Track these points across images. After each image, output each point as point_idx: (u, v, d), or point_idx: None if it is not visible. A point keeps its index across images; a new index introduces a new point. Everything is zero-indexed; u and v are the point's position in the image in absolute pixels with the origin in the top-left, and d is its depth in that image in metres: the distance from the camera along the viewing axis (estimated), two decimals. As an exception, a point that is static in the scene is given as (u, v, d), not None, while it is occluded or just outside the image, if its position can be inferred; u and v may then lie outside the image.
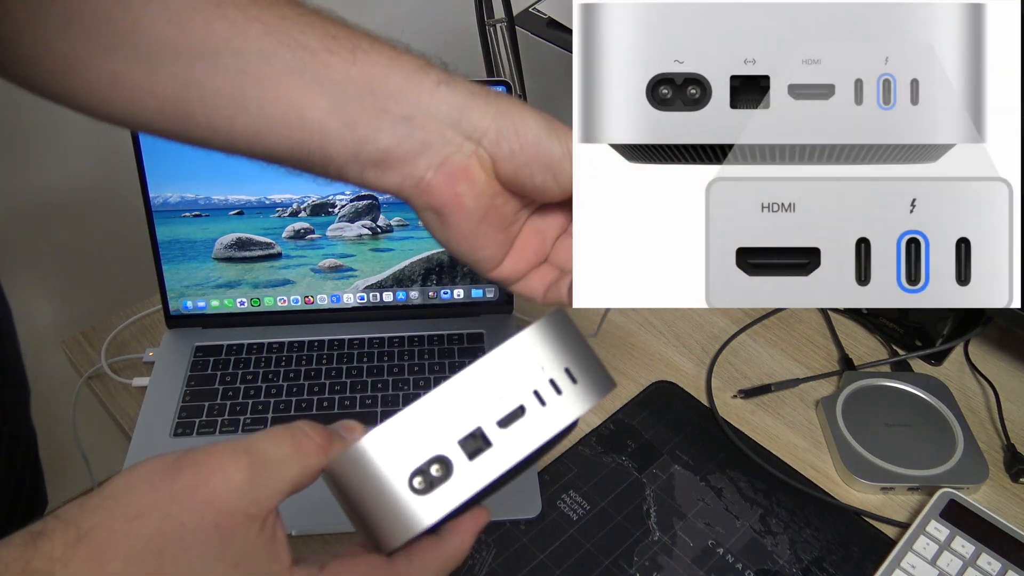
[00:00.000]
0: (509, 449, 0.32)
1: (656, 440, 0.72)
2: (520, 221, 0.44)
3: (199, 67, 0.38)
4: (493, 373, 0.33)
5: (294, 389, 0.76)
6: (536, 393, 0.33)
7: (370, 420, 0.68)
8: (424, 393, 0.32)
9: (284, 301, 0.82)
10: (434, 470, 0.32)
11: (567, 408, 0.33)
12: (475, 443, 0.32)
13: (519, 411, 0.33)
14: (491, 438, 0.32)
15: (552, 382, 0.33)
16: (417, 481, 0.32)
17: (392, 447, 0.32)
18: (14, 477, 0.74)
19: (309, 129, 0.39)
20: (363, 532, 0.33)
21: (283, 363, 0.79)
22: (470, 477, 0.32)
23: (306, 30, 0.38)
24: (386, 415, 0.33)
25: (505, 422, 0.32)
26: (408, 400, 0.60)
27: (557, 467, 0.70)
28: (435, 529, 0.33)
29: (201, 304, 0.81)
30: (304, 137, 0.39)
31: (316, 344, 0.80)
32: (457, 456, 0.32)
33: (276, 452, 0.33)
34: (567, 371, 0.34)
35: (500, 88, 0.75)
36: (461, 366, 0.34)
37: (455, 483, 0.32)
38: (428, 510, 0.32)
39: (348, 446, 0.33)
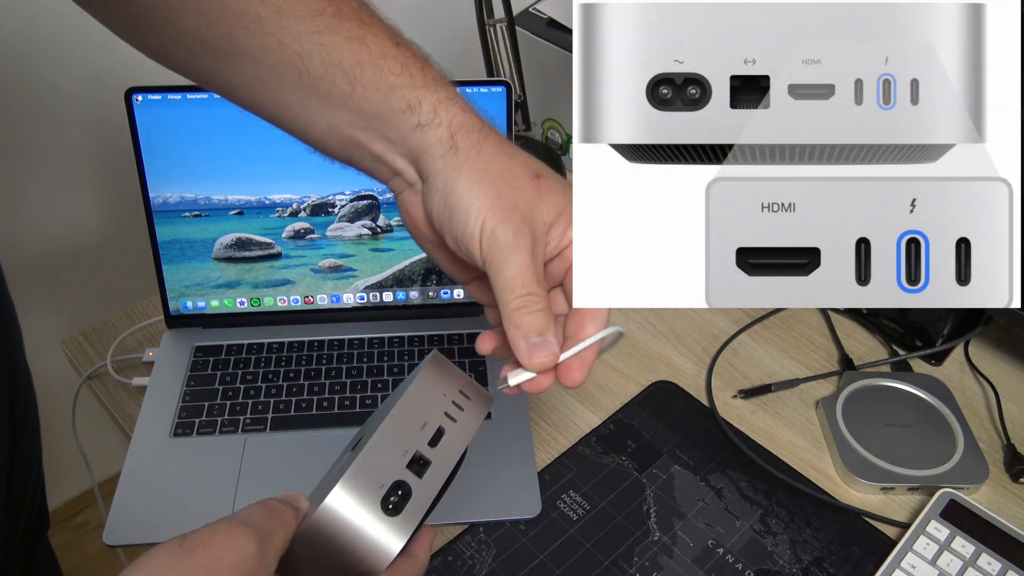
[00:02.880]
0: (444, 461, 0.41)
1: (656, 440, 0.72)
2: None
3: (226, 63, 0.44)
4: (412, 410, 0.41)
5: (294, 389, 0.76)
6: (447, 414, 0.41)
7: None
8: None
9: (284, 301, 0.82)
10: (396, 496, 0.39)
11: (472, 418, 0.42)
12: (418, 465, 0.40)
13: (440, 431, 0.41)
14: (428, 457, 0.40)
15: (455, 403, 0.42)
16: (387, 507, 0.39)
17: (360, 486, 0.38)
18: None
19: (313, 140, 0.45)
20: (349, 565, 0.39)
21: (283, 363, 0.79)
22: (425, 490, 0.40)
23: (313, 55, 0.42)
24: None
25: (433, 442, 0.40)
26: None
27: (557, 467, 0.70)
28: (405, 549, 0.40)
29: (201, 304, 0.81)
30: (311, 142, 0.46)
31: (316, 344, 0.80)
32: (410, 478, 0.39)
33: (267, 524, 0.38)
34: (461, 392, 0.43)
35: (500, 88, 0.75)
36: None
37: (416, 498, 0.39)
38: (404, 525, 0.39)
39: (309, 508, 0.39)
